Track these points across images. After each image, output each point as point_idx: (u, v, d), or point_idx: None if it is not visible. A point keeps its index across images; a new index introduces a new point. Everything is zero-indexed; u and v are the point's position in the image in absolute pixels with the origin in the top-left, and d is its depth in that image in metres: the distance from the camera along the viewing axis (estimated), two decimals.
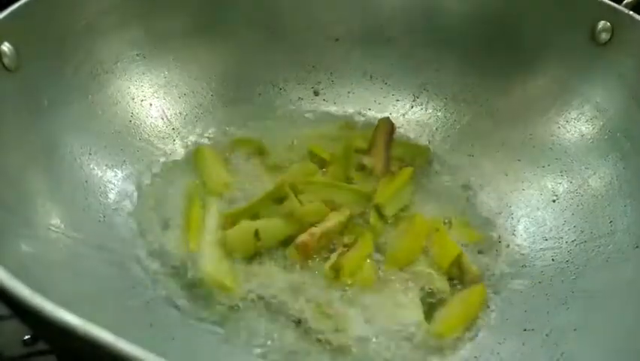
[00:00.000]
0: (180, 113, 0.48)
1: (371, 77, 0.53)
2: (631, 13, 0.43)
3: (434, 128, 0.51)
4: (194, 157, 0.46)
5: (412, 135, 0.51)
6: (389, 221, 0.42)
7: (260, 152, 0.47)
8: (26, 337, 0.38)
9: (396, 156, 0.47)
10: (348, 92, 0.53)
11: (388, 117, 0.49)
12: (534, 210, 0.44)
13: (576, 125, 0.46)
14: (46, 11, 0.39)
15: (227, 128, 0.49)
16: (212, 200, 0.42)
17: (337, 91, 0.52)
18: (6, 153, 0.35)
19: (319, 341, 0.35)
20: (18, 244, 0.32)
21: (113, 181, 0.42)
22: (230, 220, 0.40)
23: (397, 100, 0.52)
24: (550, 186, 0.45)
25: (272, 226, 0.40)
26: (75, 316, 0.22)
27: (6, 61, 0.36)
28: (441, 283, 0.39)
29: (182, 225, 0.41)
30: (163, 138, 0.47)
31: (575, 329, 0.35)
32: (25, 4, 0.38)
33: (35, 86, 0.39)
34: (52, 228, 0.36)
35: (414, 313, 0.37)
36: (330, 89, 0.52)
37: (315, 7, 0.52)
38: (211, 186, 0.44)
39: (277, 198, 0.41)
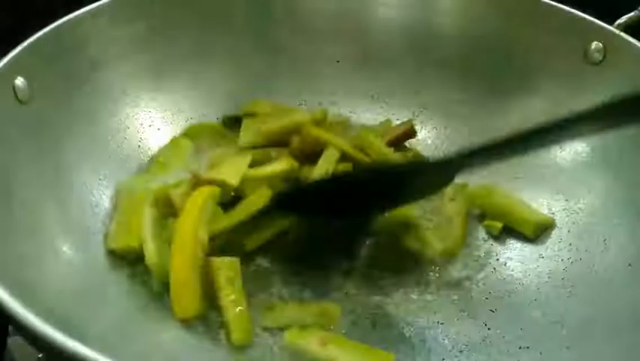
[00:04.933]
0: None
1: (372, 97, 0.54)
2: (622, 34, 0.44)
3: (433, 148, 0.52)
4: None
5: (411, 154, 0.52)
6: None
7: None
8: (40, 355, 0.39)
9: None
10: (350, 112, 0.54)
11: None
12: None
13: (572, 143, 0.46)
14: (56, 45, 0.41)
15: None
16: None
17: (339, 112, 0.54)
18: (18, 181, 0.37)
19: None
20: (28, 270, 0.33)
21: None
22: None
23: (397, 119, 0.53)
24: (546, 204, 0.46)
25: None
26: (85, 346, 0.23)
27: (19, 94, 0.38)
28: None
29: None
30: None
31: (567, 347, 0.36)
32: (36, 40, 0.40)
33: (47, 116, 0.41)
34: (63, 252, 0.38)
35: None
36: (332, 110, 0.54)
37: (316, 31, 0.54)
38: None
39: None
